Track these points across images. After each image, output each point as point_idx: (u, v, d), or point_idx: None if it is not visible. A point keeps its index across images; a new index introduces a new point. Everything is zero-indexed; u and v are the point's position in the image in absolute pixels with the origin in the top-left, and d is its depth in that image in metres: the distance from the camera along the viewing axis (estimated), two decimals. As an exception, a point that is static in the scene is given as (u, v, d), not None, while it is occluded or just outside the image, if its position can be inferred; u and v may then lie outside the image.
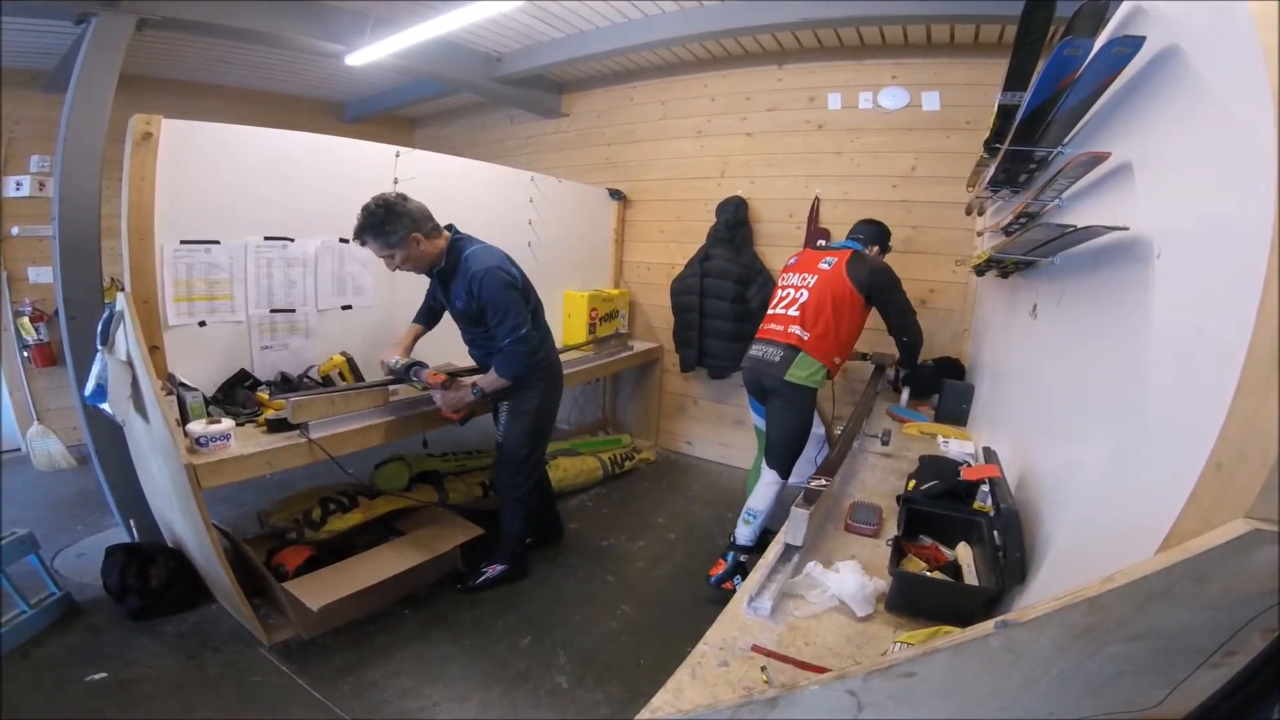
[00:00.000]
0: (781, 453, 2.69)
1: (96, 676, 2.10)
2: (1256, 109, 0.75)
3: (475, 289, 2.44)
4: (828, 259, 2.72)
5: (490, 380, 2.53)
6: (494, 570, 2.75)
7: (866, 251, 2.81)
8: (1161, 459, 0.84)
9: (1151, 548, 0.72)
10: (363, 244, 2.42)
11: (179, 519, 2.34)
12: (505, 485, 2.75)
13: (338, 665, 2.23)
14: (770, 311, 2.80)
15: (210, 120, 2.43)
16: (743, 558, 2.68)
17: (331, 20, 3.59)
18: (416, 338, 2.77)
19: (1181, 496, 0.71)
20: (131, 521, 2.82)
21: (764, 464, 2.74)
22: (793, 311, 2.69)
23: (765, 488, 2.69)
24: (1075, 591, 0.63)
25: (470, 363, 2.88)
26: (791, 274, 2.81)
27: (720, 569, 2.71)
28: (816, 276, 2.69)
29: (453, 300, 2.59)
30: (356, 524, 2.74)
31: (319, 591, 2.31)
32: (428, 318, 2.80)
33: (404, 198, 2.39)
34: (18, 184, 4.07)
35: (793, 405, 2.65)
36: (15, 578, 2.28)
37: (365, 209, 2.34)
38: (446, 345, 2.89)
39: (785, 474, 2.69)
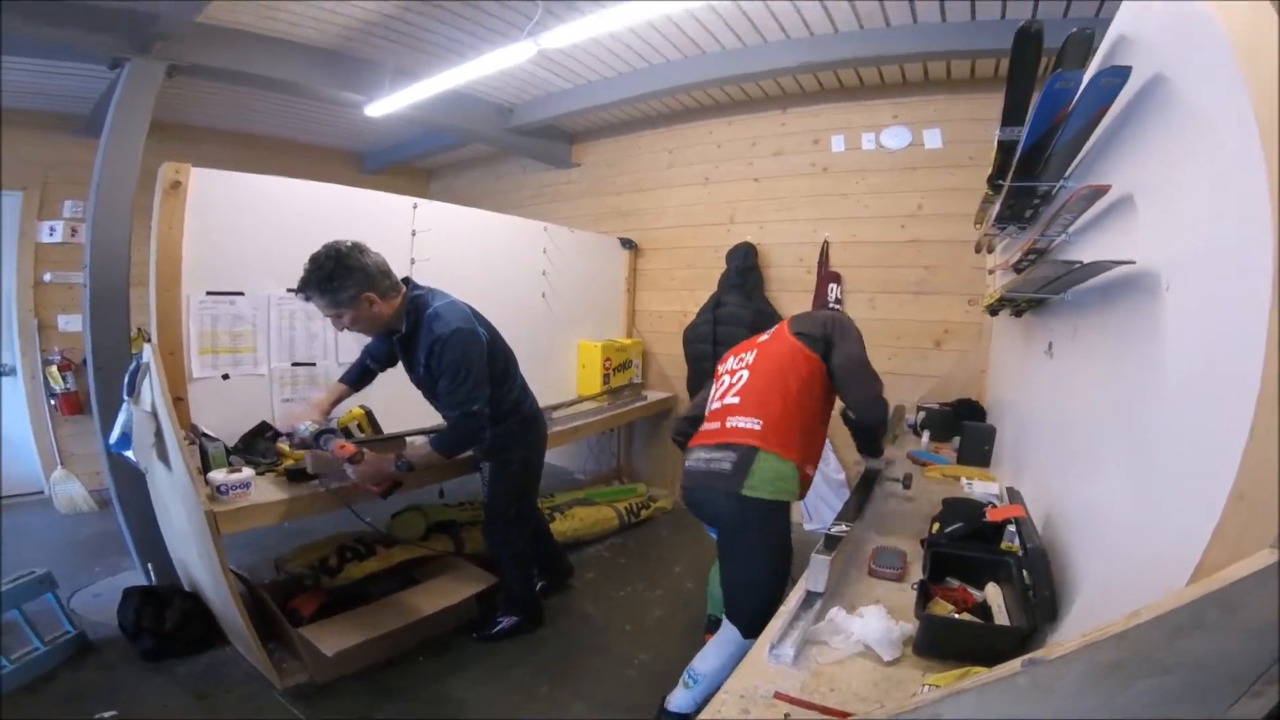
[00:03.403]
0: (745, 605, 1.86)
1: (106, 715, 2.09)
2: (1243, 133, 0.77)
3: (437, 351, 2.18)
4: (766, 333, 2.16)
5: (421, 455, 2.27)
6: (508, 621, 2.70)
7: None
8: (1187, 491, 0.83)
9: (1183, 580, 0.71)
10: (307, 299, 2.13)
11: (197, 563, 2.35)
12: (496, 544, 2.69)
13: (350, 710, 2.20)
14: (707, 413, 2.11)
15: (235, 168, 2.50)
16: None
17: (352, 71, 3.75)
18: (338, 400, 2.47)
19: (1208, 528, 0.71)
20: (149, 565, 2.84)
21: (724, 613, 1.98)
22: (731, 399, 1.98)
23: (720, 648, 1.92)
24: (1102, 628, 0.62)
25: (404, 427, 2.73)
26: (728, 359, 2.17)
27: None
28: (755, 351, 2.08)
29: (414, 368, 2.34)
30: (373, 572, 2.73)
31: (334, 636, 2.30)
32: (358, 377, 2.52)
33: (360, 249, 2.11)
34: (50, 229, 4.20)
35: (755, 535, 1.85)
36: (31, 615, 2.31)
37: (313, 259, 2.06)
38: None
39: (751, 632, 1.74)
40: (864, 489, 2.16)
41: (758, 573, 1.88)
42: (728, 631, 1.92)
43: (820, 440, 2.01)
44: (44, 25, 2.81)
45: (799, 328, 2.03)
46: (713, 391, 2.15)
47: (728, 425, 1.95)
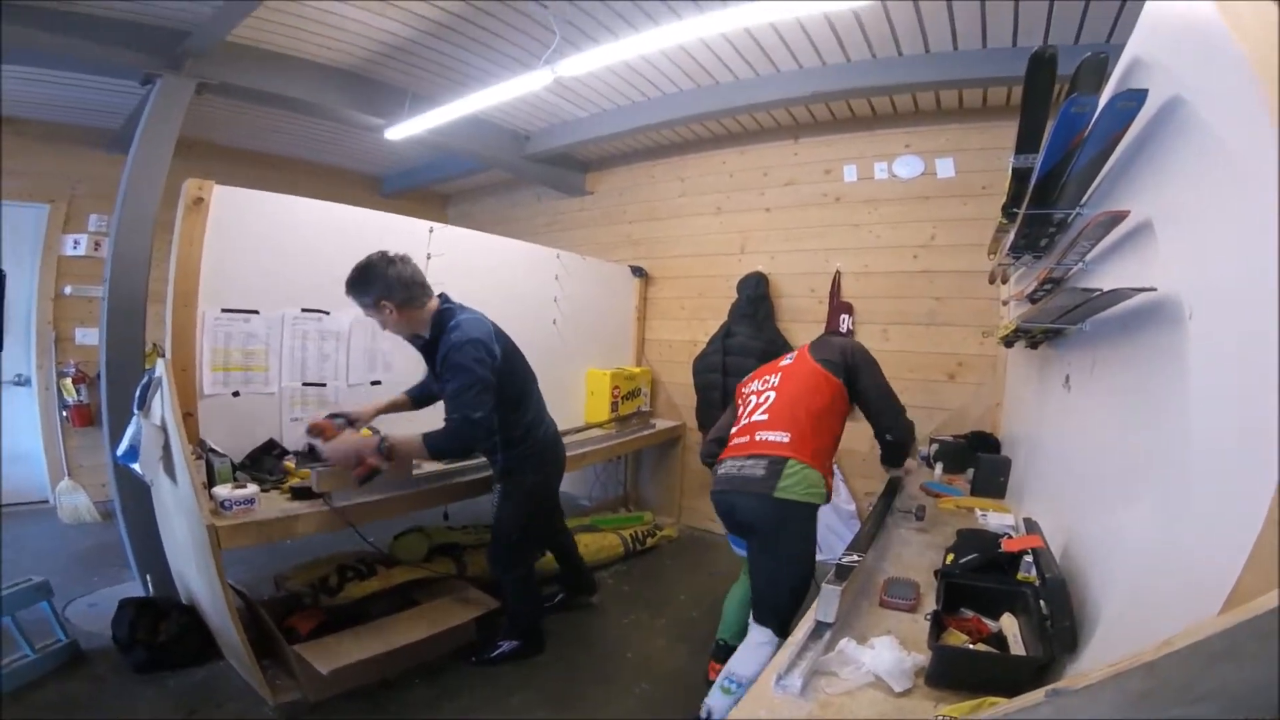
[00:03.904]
0: (777, 604, 2.01)
1: None
2: (1264, 153, 0.76)
3: (450, 356, 2.27)
4: (788, 357, 2.37)
5: (408, 445, 2.24)
6: (508, 646, 2.65)
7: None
8: (1215, 519, 0.80)
9: (1214, 608, 0.68)
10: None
11: (196, 577, 2.34)
12: (500, 568, 2.68)
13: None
14: (734, 429, 2.28)
15: (257, 187, 2.54)
16: None
17: (374, 94, 3.83)
18: (391, 407, 2.58)
19: (1241, 555, 0.68)
20: (148, 576, 2.82)
21: (751, 619, 2.10)
22: (759, 416, 2.18)
23: (755, 650, 2.01)
24: (1132, 657, 0.59)
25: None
26: (751, 382, 2.38)
27: None
28: (779, 374, 2.28)
29: (437, 376, 2.43)
30: (373, 592, 2.70)
31: (330, 655, 2.27)
32: (419, 395, 2.65)
33: (389, 261, 2.27)
34: (75, 242, 4.27)
35: (788, 535, 2.01)
36: (26, 623, 2.32)
37: (356, 264, 2.29)
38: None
39: (784, 631, 1.93)
40: (889, 495, 2.43)
41: (789, 573, 2.02)
42: (761, 634, 2.01)
43: (834, 452, 2.20)
44: (78, 39, 2.89)
45: (820, 354, 2.26)
46: (739, 412, 2.33)
47: (757, 438, 2.12)
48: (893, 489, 2.47)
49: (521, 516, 2.61)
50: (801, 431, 2.08)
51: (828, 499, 2.09)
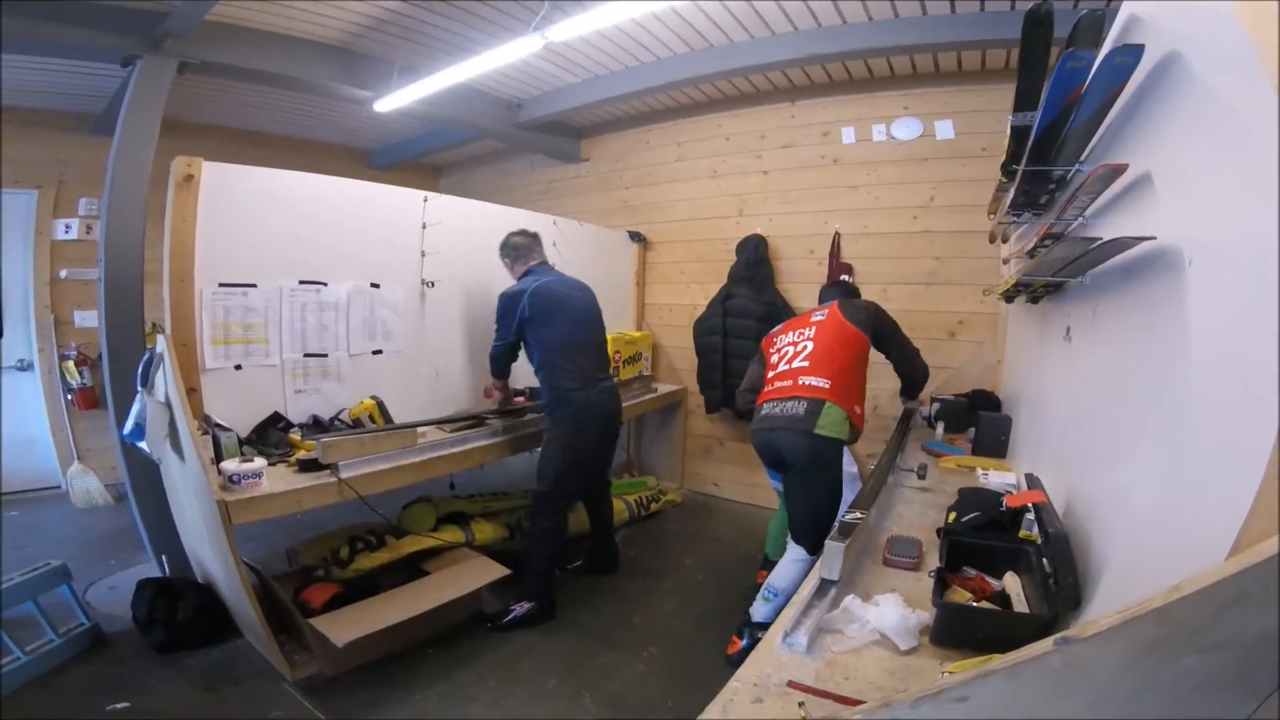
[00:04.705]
0: (812, 526, 2.32)
1: (119, 706, 2.11)
2: (1260, 103, 0.75)
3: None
4: (818, 313, 2.64)
5: None
6: (522, 608, 2.71)
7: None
8: (1216, 467, 0.81)
9: (1219, 556, 0.69)
10: None
11: (209, 555, 2.36)
12: (532, 513, 2.93)
13: (360, 702, 2.21)
14: (771, 375, 2.58)
15: (247, 165, 2.50)
16: (760, 635, 2.35)
17: (360, 67, 3.74)
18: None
19: (1244, 502, 0.68)
20: (164, 557, 2.85)
21: (789, 539, 2.46)
22: (800, 363, 2.48)
23: (791, 565, 2.38)
24: (1141, 603, 0.60)
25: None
26: (785, 334, 2.68)
27: (736, 648, 2.44)
28: (814, 328, 2.57)
29: None
30: (383, 563, 2.72)
31: (345, 627, 2.28)
32: None
33: (515, 233, 3.03)
34: (66, 227, 4.24)
35: (821, 466, 2.35)
36: (47, 608, 2.34)
37: None
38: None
39: (816, 550, 2.19)
40: (904, 422, 3.01)
41: (821, 497, 2.37)
42: (796, 551, 2.39)
43: (863, 396, 2.52)
44: (57, 24, 2.82)
45: (850, 314, 2.56)
46: (773, 360, 2.63)
47: (800, 383, 2.43)
48: (908, 417, 2.98)
49: (554, 463, 2.81)
50: (837, 378, 2.40)
51: (859, 434, 2.46)
